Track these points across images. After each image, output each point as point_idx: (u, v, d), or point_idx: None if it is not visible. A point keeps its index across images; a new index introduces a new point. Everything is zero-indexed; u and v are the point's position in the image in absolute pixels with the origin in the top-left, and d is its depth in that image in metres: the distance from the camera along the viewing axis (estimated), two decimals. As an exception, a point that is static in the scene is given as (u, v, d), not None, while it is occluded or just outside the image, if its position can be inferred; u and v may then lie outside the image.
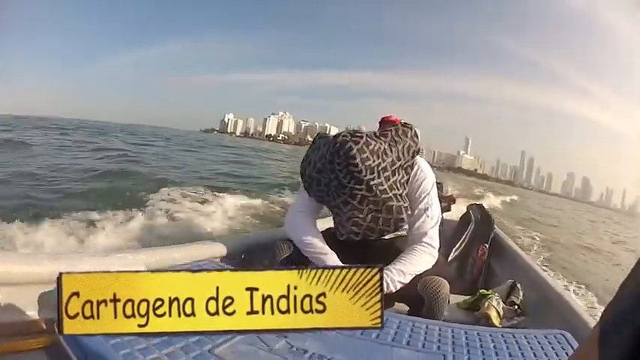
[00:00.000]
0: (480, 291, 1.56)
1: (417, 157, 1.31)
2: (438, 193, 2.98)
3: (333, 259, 1.24)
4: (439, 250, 1.31)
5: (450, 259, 2.31)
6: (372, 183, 1.19)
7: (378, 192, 1.20)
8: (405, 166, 1.26)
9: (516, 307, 1.49)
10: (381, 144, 1.21)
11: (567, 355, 0.80)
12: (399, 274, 1.17)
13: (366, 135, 1.20)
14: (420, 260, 1.22)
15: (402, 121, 1.35)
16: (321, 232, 1.35)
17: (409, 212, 1.27)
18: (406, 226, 1.32)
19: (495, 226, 2.53)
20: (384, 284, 0.81)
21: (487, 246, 2.33)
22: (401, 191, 1.25)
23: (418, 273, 1.20)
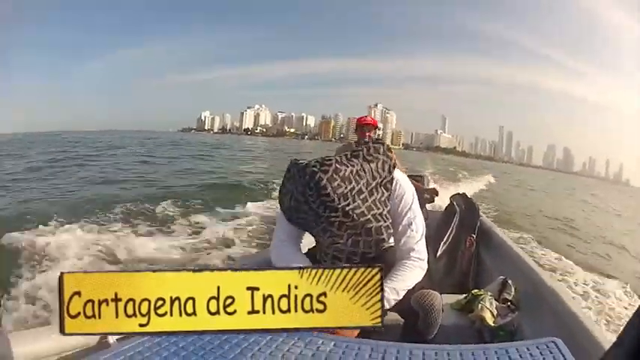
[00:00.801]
0: (473, 291, 1.58)
1: (395, 172, 1.30)
2: (420, 187, 2.96)
3: None
4: (427, 249, 1.32)
5: (439, 254, 2.30)
6: (347, 208, 1.19)
7: (355, 216, 1.20)
8: (384, 182, 1.26)
9: (509, 303, 1.52)
10: (353, 166, 1.20)
11: None
12: (393, 292, 1.19)
13: (336, 161, 1.19)
14: (410, 276, 1.24)
15: (375, 138, 1.31)
16: (307, 253, 1.35)
17: (390, 231, 1.27)
18: (391, 242, 1.33)
19: (481, 213, 2.54)
20: None
21: (474, 236, 2.34)
22: (381, 210, 1.24)
23: (410, 288, 1.23)
